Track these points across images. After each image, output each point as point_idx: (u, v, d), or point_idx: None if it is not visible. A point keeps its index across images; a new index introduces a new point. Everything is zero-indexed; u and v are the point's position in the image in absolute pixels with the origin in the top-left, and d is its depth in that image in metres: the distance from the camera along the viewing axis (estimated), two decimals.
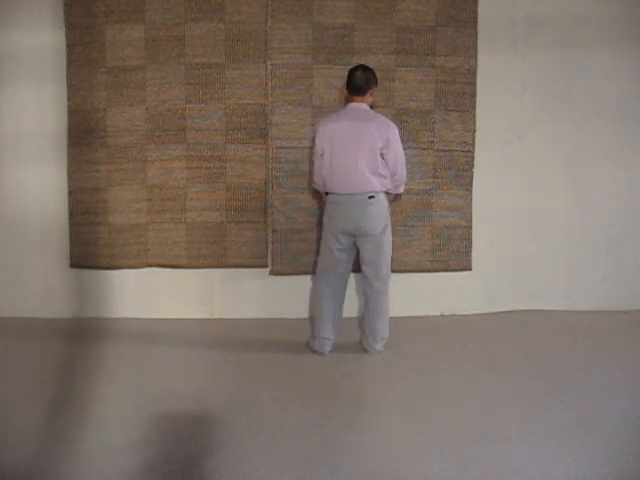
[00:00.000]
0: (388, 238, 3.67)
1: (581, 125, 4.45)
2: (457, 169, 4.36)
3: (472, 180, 4.38)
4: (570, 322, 4.30)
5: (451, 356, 3.68)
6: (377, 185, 3.53)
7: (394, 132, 3.57)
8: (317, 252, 4.33)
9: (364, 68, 3.64)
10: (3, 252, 4.38)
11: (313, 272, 4.33)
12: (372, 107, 3.72)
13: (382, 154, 3.53)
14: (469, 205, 4.39)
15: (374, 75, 3.64)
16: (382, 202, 3.59)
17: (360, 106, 3.60)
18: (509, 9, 4.34)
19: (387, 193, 3.66)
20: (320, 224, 4.32)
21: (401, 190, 3.76)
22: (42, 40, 4.22)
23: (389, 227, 3.66)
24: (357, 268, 3.84)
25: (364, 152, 3.50)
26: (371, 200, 3.53)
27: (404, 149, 3.67)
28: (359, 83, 3.59)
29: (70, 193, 4.30)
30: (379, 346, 3.71)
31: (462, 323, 4.32)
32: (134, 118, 4.22)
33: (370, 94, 3.62)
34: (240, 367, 3.49)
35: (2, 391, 3.14)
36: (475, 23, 4.28)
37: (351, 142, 3.52)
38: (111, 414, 2.87)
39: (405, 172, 3.67)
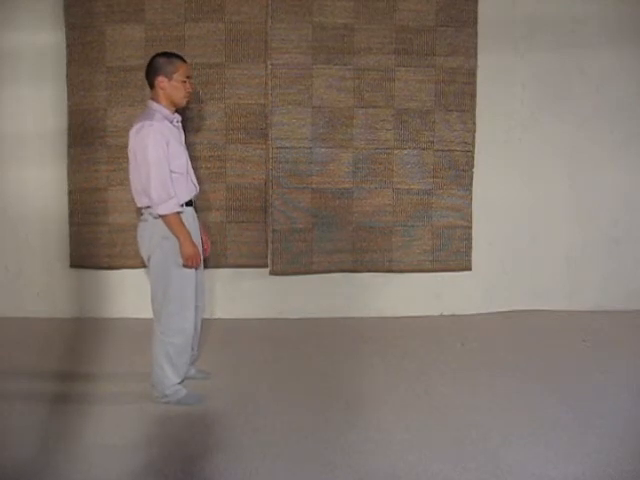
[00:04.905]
0: (160, 271, 2.95)
1: (581, 125, 4.45)
2: (457, 169, 4.36)
3: (472, 180, 4.38)
4: (570, 322, 4.30)
5: (451, 356, 3.67)
6: (145, 202, 2.92)
7: (142, 138, 2.82)
8: (316, 252, 4.35)
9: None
10: (3, 252, 4.38)
11: (313, 272, 4.34)
12: (182, 103, 3.01)
13: None
14: (469, 205, 4.40)
15: (156, 62, 2.94)
16: (150, 222, 2.93)
17: (148, 103, 3.01)
18: (509, 9, 4.35)
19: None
20: (318, 224, 4.33)
21: (160, 212, 2.85)
22: (42, 40, 4.23)
23: (161, 256, 2.92)
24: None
25: (132, 164, 2.93)
26: (141, 217, 3.00)
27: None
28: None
29: (70, 193, 4.30)
30: (155, 395, 3.01)
31: (462, 323, 4.32)
32: (134, 118, 4.19)
33: (160, 86, 2.93)
34: (240, 367, 3.49)
35: (2, 391, 3.15)
36: (475, 23, 4.29)
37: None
38: (111, 414, 2.87)
39: (157, 193, 2.81)
